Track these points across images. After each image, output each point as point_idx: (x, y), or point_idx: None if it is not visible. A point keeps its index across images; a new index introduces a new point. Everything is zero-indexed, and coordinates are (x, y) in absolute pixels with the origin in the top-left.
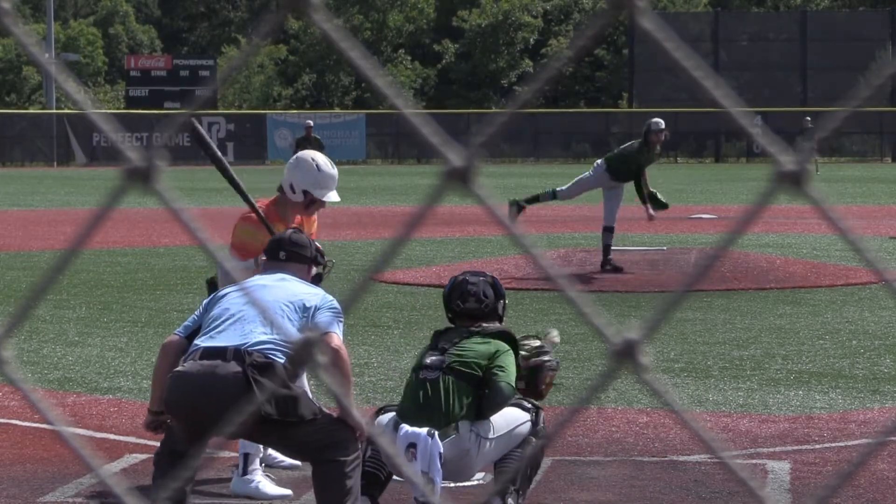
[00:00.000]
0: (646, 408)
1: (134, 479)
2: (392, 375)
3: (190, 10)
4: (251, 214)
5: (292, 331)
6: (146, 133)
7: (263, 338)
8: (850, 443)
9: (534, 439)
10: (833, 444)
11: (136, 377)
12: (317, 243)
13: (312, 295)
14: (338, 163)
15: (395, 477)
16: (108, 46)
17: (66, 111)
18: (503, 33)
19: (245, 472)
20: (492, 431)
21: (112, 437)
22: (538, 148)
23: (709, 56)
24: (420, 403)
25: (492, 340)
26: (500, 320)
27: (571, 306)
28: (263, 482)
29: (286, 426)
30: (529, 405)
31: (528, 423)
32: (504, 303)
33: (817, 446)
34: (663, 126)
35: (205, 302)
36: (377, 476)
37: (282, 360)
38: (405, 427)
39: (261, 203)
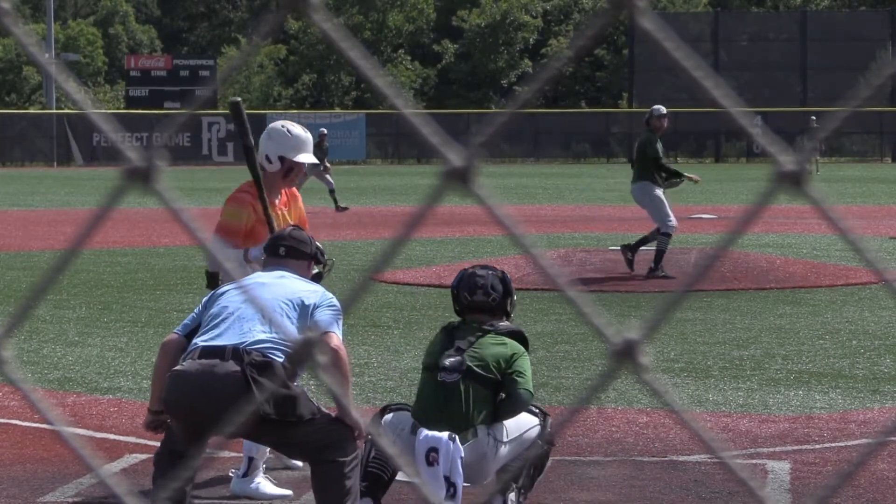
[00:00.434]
0: (646, 408)
1: (134, 479)
2: (392, 375)
3: (190, 10)
4: (238, 195)
5: (291, 329)
6: (146, 133)
7: (262, 336)
8: (850, 443)
9: (539, 441)
10: (833, 444)
11: (136, 377)
12: (317, 243)
13: (311, 292)
14: (338, 163)
15: (397, 477)
16: (107, 46)
17: (66, 111)
18: (503, 33)
19: (247, 474)
20: (506, 435)
21: (112, 437)
22: (538, 148)
23: (709, 56)
24: (439, 407)
25: (507, 341)
26: (508, 316)
27: (571, 306)
28: (263, 483)
29: (285, 426)
30: (538, 410)
31: (538, 428)
32: (512, 299)
33: (817, 446)
34: (664, 111)
35: (204, 300)
36: (380, 477)
37: (281, 359)
38: (425, 431)
39: (244, 187)
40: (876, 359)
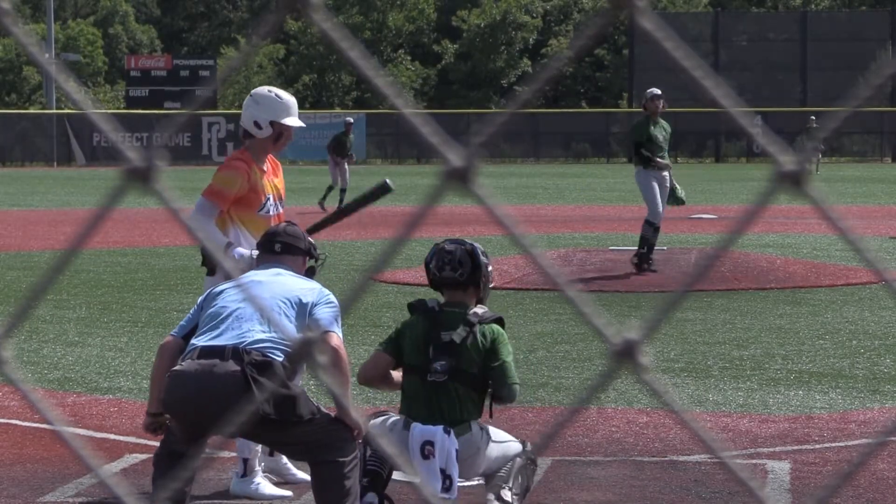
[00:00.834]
0: (646, 408)
1: (134, 480)
2: None
3: (190, 10)
4: (234, 162)
5: (290, 329)
6: (146, 133)
7: (262, 336)
8: (850, 443)
9: (523, 452)
10: (833, 444)
11: (136, 377)
12: (310, 238)
13: (309, 290)
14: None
15: (394, 476)
16: (107, 46)
17: (67, 111)
18: (502, 33)
19: (245, 474)
20: (494, 435)
21: (112, 437)
22: (538, 148)
23: (709, 56)
24: (431, 404)
25: (489, 331)
26: (479, 288)
27: (571, 306)
28: (263, 483)
29: (285, 425)
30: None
31: (518, 445)
32: (483, 271)
33: (817, 446)
34: (656, 92)
35: (199, 300)
36: (379, 474)
37: (280, 359)
38: (419, 425)
39: (237, 155)
40: (876, 359)
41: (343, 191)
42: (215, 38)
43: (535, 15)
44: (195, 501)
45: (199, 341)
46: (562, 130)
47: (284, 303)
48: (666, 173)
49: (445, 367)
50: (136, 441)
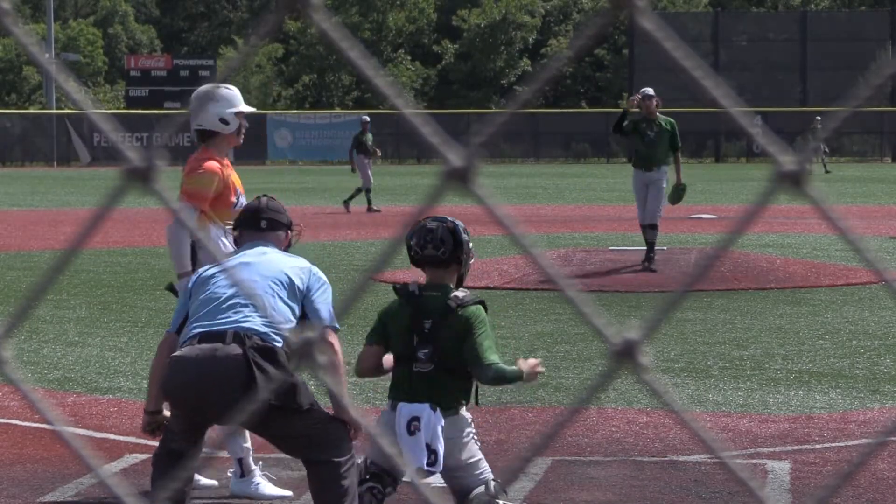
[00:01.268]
0: (646, 408)
1: (134, 480)
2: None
3: (190, 10)
4: (207, 164)
5: (282, 314)
6: (146, 133)
7: (262, 321)
8: (850, 443)
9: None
10: (833, 444)
11: (136, 377)
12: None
13: (299, 269)
14: (338, 162)
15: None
16: (107, 46)
17: (67, 111)
18: (502, 33)
19: (244, 474)
20: (475, 441)
21: (112, 437)
22: (538, 148)
23: (709, 56)
24: (418, 390)
25: (468, 314)
26: (461, 265)
27: (571, 306)
28: (263, 483)
29: (284, 413)
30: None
31: (489, 476)
32: (465, 248)
33: (817, 446)
34: (649, 92)
35: (189, 287)
36: (382, 476)
37: (280, 344)
38: (405, 404)
39: (198, 157)
40: (876, 359)
41: (368, 191)
42: (215, 38)
43: (535, 14)
44: (195, 502)
45: (199, 327)
46: (562, 130)
47: (276, 284)
48: (653, 173)
49: (430, 356)
50: (136, 441)
